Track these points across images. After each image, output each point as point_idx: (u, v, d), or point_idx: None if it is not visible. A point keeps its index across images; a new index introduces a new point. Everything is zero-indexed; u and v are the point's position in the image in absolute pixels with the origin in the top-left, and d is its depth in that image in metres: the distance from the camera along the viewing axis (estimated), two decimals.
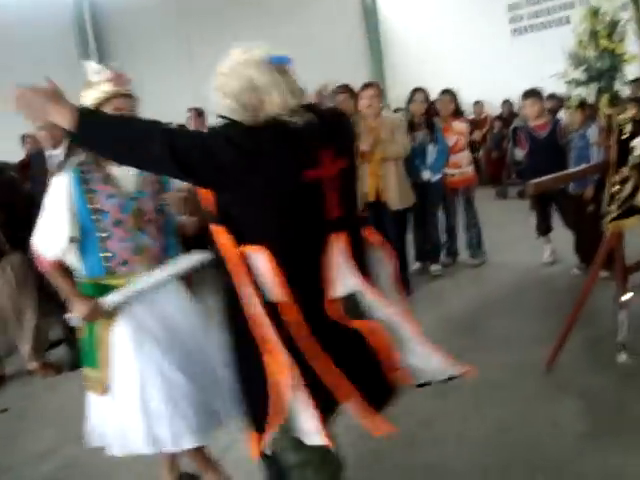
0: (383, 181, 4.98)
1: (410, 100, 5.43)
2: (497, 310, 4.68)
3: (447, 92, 5.68)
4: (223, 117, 1.88)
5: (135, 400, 2.50)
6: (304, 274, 1.90)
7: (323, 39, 12.42)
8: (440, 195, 5.65)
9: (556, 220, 5.43)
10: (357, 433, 2.46)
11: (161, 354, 2.53)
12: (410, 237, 5.75)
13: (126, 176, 2.56)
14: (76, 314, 2.50)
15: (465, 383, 3.50)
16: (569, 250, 5.25)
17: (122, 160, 2.03)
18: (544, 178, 4.10)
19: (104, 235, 2.49)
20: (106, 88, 2.48)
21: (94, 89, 2.49)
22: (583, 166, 4.25)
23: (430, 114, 5.46)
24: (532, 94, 5.14)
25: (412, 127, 5.43)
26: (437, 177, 5.51)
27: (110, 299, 2.49)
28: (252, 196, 1.83)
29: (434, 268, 5.70)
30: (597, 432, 2.95)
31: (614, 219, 3.69)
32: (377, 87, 5.00)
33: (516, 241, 6.02)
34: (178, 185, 2.53)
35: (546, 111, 5.33)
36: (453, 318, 4.66)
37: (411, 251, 5.79)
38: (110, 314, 2.51)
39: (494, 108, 11.02)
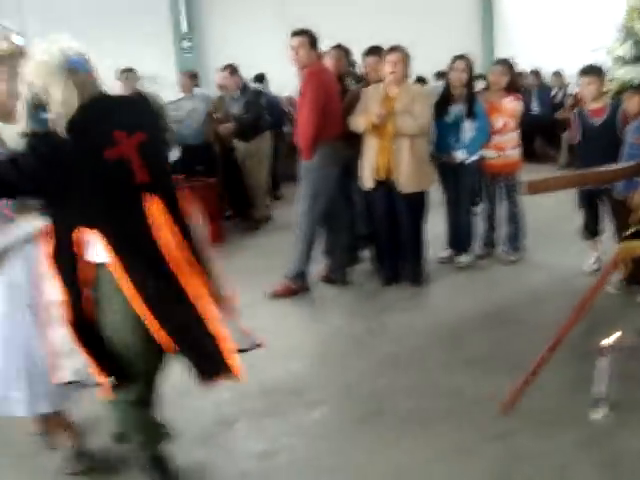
0: (395, 159, 4.42)
1: (449, 68, 4.76)
2: (503, 320, 4.05)
3: (501, 62, 4.91)
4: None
5: None
6: (130, 237, 2.21)
7: (435, 8, 11.37)
8: (474, 179, 4.97)
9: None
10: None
11: (31, 318, 2.50)
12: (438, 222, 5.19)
13: (11, 132, 2.43)
14: None
15: (397, 410, 3.08)
16: None
17: None
18: (542, 178, 3.40)
19: None
20: (1, 46, 2.44)
21: None
22: (609, 166, 3.45)
23: (471, 86, 4.76)
24: (590, 71, 4.28)
25: (448, 100, 4.79)
26: (473, 159, 4.84)
27: None
28: (72, 189, 2.13)
29: (461, 259, 5.09)
30: None
31: (627, 238, 3.00)
32: (402, 52, 4.39)
33: (569, 239, 5.21)
34: None
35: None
36: (449, 323, 4.09)
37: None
38: None
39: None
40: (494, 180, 5.01)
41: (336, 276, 4.92)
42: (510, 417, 2.92)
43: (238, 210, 7.15)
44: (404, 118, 4.35)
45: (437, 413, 3.03)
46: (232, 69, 6.65)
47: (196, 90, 7.54)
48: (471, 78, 4.77)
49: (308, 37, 4.48)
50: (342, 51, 5.23)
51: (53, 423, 2.82)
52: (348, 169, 4.74)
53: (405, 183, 4.45)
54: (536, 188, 3.18)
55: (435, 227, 5.26)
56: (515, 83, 4.99)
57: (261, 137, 6.80)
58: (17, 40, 2.47)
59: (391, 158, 4.41)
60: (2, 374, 2.52)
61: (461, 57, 4.73)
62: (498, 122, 4.85)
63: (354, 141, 4.64)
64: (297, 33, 4.50)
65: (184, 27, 9.70)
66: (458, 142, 4.78)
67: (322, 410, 3.15)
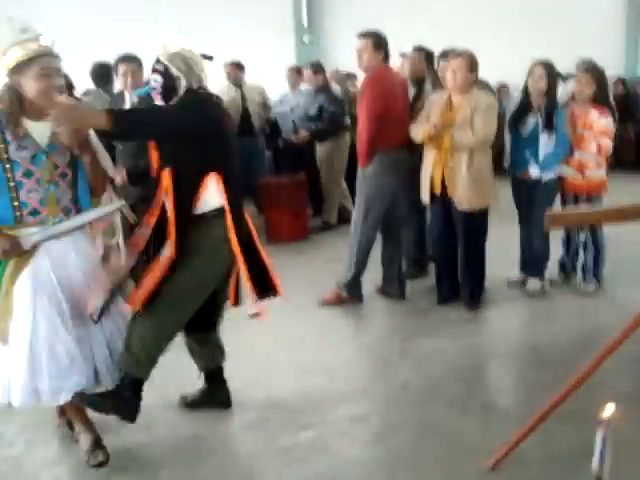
0: (451, 174, 4.12)
1: (527, 75, 4.33)
2: (545, 362, 3.60)
3: (588, 70, 4.37)
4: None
5: (24, 353, 2.60)
6: (236, 187, 2.88)
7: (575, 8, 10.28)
8: (550, 199, 4.48)
9: None
10: None
11: (56, 311, 2.62)
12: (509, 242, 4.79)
13: (39, 130, 2.61)
14: None
15: (383, 450, 2.86)
16: None
17: (143, 137, 2.93)
18: (564, 211, 2.98)
19: (14, 185, 2.57)
20: (32, 47, 2.52)
21: (19, 46, 2.52)
22: None
23: (552, 95, 4.30)
24: None
25: (526, 109, 4.37)
26: (549, 176, 4.39)
27: (29, 238, 2.59)
28: (212, 141, 2.76)
29: (530, 285, 4.65)
30: None
31: None
32: (466, 58, 4.05)
33: None
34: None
35: None
36: (485, 357, 3.81)
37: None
38: (27, 253, 2.60)
39: None
40: (575, 201, 4.50)
41: (391, 289, 4.72)
42: (498, 476, 2.63)
43: (314, 209, 7.13)
44: (462, 130, 4.03)
45: (423, 458, 2.79)
46: (316, 68, 6.56)
47: (302, 86, 7.57)
48: (553, 86, 4.30)
49: (372, 39, 4.29)
50: (421, 54, 4.97)
51: (72, 415, 2.93)
52: (416, 178, 4.51)
53: (461, 200, 4.14)
54: (556, 222, 2.82)
55: (510, 246, 4.88)
56: (604, 94, 4.39)
57: (335, 141, 6.64)
58: (44, 41, 2.56)
59: (447, 172, 4.12)
60: (29, 365, 2.60)
61: (539, 63, 4.28)
62: (591, 146, 4.34)
63: (420, 150, 4.40)
64: (362, 35, 4.33)
65: (305, 21, 9.78)
66: (534, 157, 4.36)
67: (308, 435, 3.02)
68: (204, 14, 8.88)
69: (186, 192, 2.73)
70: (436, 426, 3.03)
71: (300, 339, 4.09)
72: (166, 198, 2.76)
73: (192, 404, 3.27)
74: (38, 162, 2.59)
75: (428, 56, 4.98)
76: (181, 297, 2.79)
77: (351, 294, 4.62)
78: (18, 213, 2.58)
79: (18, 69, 2.50)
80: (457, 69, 4.03)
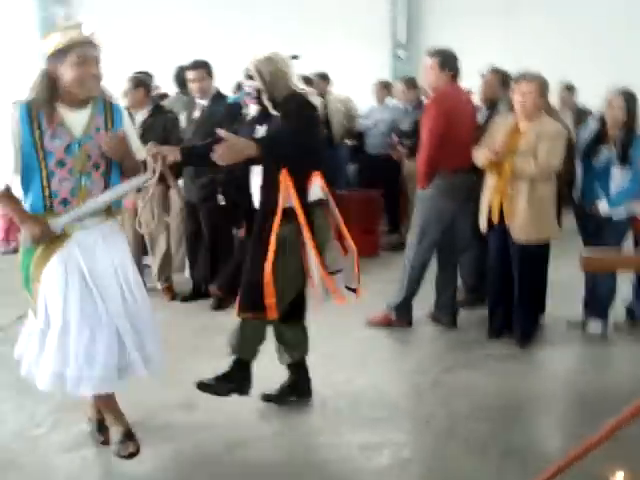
0: (510, 203, 3.91)
1: (606, 105, 4.05)
2: (588, 419, 3.24)
3: None
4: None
5: (54, 337, 2.65)
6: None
7: None
8: (619, 237, 4.15)
9: None
10: None
11: (87, 299, 2.65)
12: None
13: (75, 119, 2.64)
14: (27, 235, 2.60)
15: None
16: None
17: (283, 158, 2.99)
18: (601, 254, 2.71)
19: (46, 174, 2.60)
20: (72, 35, 2.56)
21: (60, 33, 2.58)
22: None
23: (631, 127, 3.99)
24: None
25: (600, 140, 4.08)
26: (620, 213, 4.07)
27: (59, 221, 2.61)
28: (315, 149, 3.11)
29: (591, 328, 4.33)
30: None
31: None
32: (537, 81, 3.84)
33: None
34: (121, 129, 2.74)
35: None
36: (521, 401, 3.52)
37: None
38: (58, 236, 2.62)
39: None
40: None
41: (442, 316, 4.54)
42: None
43: (391, 225, 7.02)
44: (525, 158, 3.82)
45: None
46: (410, 83, 6.49)
47: (388, 100, 7.50)
48: (632, 117, 3.99)
49: (439, 58, 4.17)
50: (497, 75, 4.77)
51: (102, 406, 2.96)
52: (478, 203, 4.33)
53: (519, 231, 3.93)
54: (591, 265, 2.59)
55: (577, 283, 4.55)
56: None
57: None
58: (85, 30, 2.58)
59: (506, 201, 3.92)
60: (59, 352, 2.64)
61: (619, 92, 3.98)
62: None
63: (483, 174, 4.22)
64: (429, 54, 4.23)
65: (402, 37, 9.69)
66: (605, 191, 4.07)
67: (314, 459, 2.94)
68: (300, 25, 9.02)
69: (300, 187, 3.02)
70: (448, 466, 2.88)
71: (337, 358, 4.01)
72: (284, 194, 3.00)
73: (276, 399, 3.35)
74: (71, 152, 2.60)
75: (505, 78, 4.77)
76: (288, 281, 3.04)
77: (400, 317, 4.50)
78: (48, 202, 2.60)
79: (57, 56, 2.53)
80: (527, 93, 3.82)
